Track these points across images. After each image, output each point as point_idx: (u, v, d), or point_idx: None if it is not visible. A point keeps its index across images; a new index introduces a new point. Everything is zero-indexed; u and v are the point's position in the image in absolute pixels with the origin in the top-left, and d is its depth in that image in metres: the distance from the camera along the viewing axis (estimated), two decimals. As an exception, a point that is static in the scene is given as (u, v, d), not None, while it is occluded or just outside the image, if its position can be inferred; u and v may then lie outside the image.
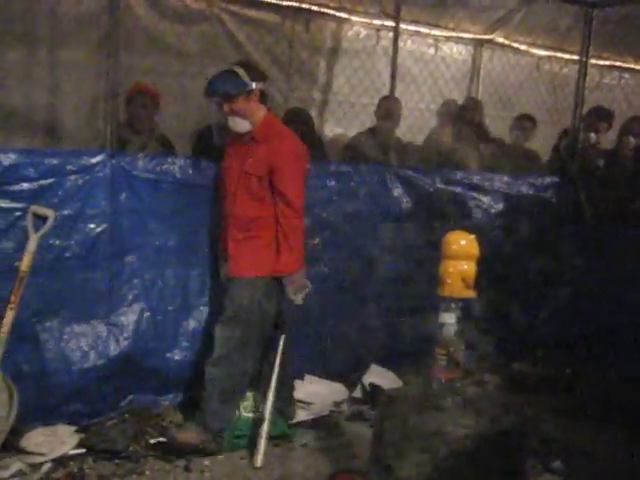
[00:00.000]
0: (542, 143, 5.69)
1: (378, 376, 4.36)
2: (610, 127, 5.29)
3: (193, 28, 4.81)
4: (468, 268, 3.02)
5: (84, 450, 3.52)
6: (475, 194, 4.79)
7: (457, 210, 4.63)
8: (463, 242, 3.06)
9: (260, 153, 3.56)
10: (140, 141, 4.25)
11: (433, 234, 4.05)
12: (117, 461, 3.47)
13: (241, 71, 3.54)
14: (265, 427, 3.53)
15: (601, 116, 5.26)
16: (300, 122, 4.53)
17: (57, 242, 3.56)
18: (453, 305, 3.01)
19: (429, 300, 3.12)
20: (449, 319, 3.01)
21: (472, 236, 3.06)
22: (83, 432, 3.63)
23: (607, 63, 6.61)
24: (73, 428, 3.63)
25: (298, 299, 3.65)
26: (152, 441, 3.65)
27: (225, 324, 3.62)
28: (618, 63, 6.74)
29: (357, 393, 4.29)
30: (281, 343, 3.68)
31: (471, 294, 3.02)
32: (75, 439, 3.57)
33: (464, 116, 5.30)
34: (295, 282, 3.63)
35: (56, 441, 3.51)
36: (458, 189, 4.73)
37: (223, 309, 3.65)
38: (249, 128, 3.61)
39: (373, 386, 4.27)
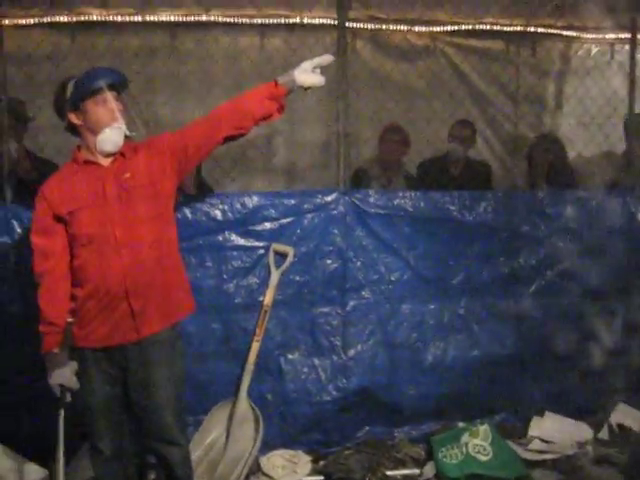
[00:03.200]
0: None
1: (627, 416, 4.01)
2: None
3: (418, 64, 4.88)
4: None
5: (322, 478, 3.65)
6: None
7: None
8: None
9: (137, 163, 2.84)
10: (385, 177, 4.41)
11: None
12: (354, 490, 3.55)
13: None
14: None
15: None
16: (555, 149, 4.41)
17: (296, 278, 3.75)
18: None
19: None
20: None
21: None
22: (320, 460, 3.76)
23: None
24: (309, 457, 3.77)
25: None
26: (388, 473, 3.68)
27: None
28: None
29: (603, 434, 3.99)
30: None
31: None
32: (309, 467, 3.71)
33: None
34: None
35: (291, 467, 3.69)
36: None
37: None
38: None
39: (622, 427, 3.94)
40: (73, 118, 2.81)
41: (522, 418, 4.05)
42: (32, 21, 4.45)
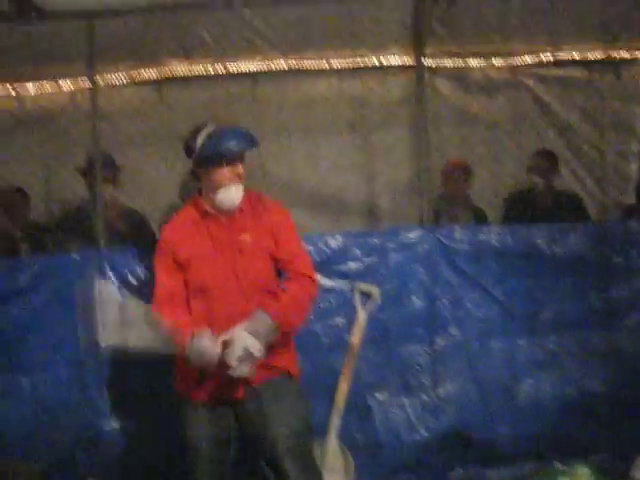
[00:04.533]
0: None
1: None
2: None
3: (499, 97, 4.84)
4: None
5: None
6: None
7: None
8: None
9: (256, 226, 2.84)
10: (452, 213, 4.38)
11: None
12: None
13: None
14: None
15: None
16: None
17: (383, 316, 3.73)
18: None
19: None
20: None
21: None
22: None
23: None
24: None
25: None
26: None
27: None
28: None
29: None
30: None
31: None
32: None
33: None
34: None
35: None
36: None
37: None
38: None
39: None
40: (198, 172, 2.84)
41: (623, 458, 3.84)
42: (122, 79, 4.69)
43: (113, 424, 3.75)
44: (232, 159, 2.76)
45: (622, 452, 3.84)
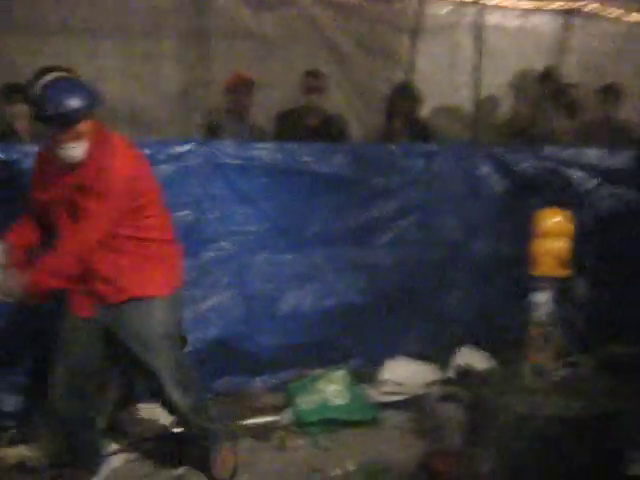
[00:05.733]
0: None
1: (471, 357, 4.27)
2: None
3: (276, 14, 4.84)
4: (562, 246, 2.93)
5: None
6: (566, 170, 4.59)
7: (548, 187, 4.45)
8: (556, 219, 2.97)
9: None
10: (235, 128, 4.37)
11: (524, 213, 3.93)
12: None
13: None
14: None
15: None
16: (409, 98, 4.51)
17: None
18: (546, 284, 2.94)
19: (522, 281, 3.06)
20: (542, 299, 2.94)
21: (565, 212, 2.97)
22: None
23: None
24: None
25: None
26: (247, 421, 3.73)
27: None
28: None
29: (449, 374, 4.24)
30: None
31: (566, 273, 2.93)
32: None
33: (545, 85, 5.15)
34: None
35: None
36: (548, 165, 4.51)
37: None
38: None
39: (465, 367, 4.21)
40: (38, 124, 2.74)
41: (376, 363, 4.19)
42: None
43: None
44: (72, 121, 2.61)
45: (374, 357, 4.20)
